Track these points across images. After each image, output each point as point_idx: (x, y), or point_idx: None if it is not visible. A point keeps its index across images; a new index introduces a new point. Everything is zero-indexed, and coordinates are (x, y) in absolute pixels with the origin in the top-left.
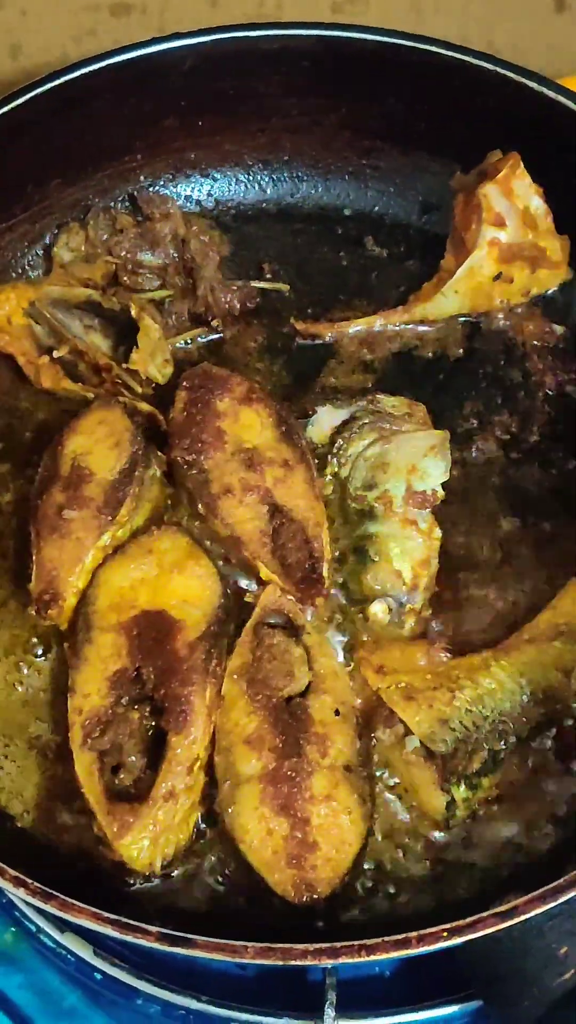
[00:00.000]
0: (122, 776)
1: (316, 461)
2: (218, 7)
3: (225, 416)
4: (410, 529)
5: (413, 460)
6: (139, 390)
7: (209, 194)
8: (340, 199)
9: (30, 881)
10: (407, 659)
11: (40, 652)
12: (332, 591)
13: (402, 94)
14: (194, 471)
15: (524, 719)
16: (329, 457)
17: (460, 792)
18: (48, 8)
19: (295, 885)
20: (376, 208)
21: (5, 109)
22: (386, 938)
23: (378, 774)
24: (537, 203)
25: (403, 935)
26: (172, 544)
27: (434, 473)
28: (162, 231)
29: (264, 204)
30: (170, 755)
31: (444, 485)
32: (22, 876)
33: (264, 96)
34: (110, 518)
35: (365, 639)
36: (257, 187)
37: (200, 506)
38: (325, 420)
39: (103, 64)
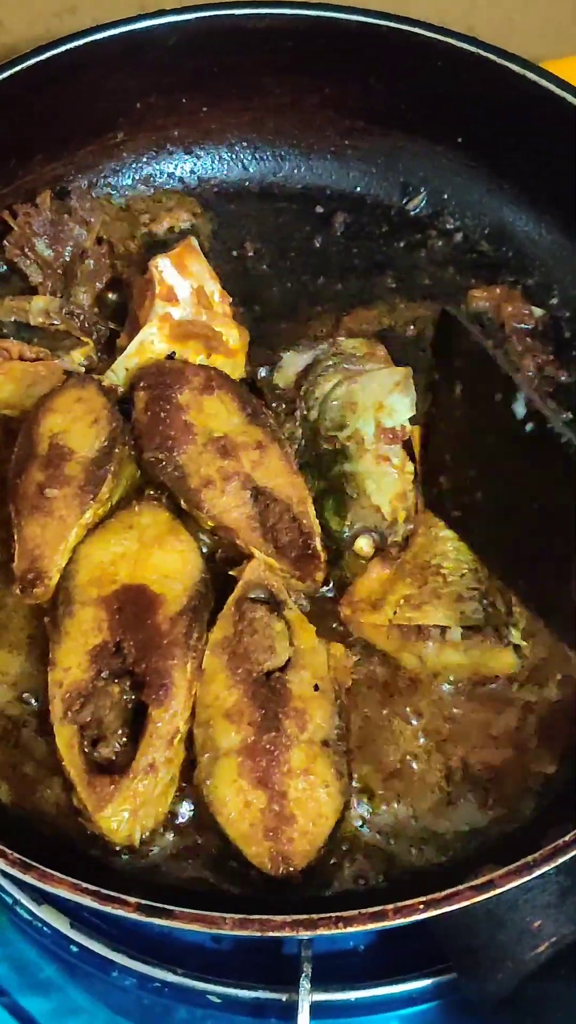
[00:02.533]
0: (102, 749)
1: (284, 406)
2: None
3: (189, 408)
4: (384, 465)
5: (379, 397)
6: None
7: (192, 171)
8: (322, 179)
9: (9, 852)
10: (378, 582)
11: None
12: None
13: (384, 75)
14: (169, 468)
15: None
16: (297, 401)
17: (515, 635)
18: None
19: (272, 857)
20: (358, 188)
21: None
22: (363, 910)
23: None
24: (212, 286)
25: (379, 907)
26: (153, 519)
27: (401, 408)
28: (71, 232)
29: (247, 182)
30: (151, 728)
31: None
32: (1, 847)
33: (248, 74)
34: (92, 496)
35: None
36: (240, 165)
37: (182, 502)
38: (289, 365)
39: (89, 39)
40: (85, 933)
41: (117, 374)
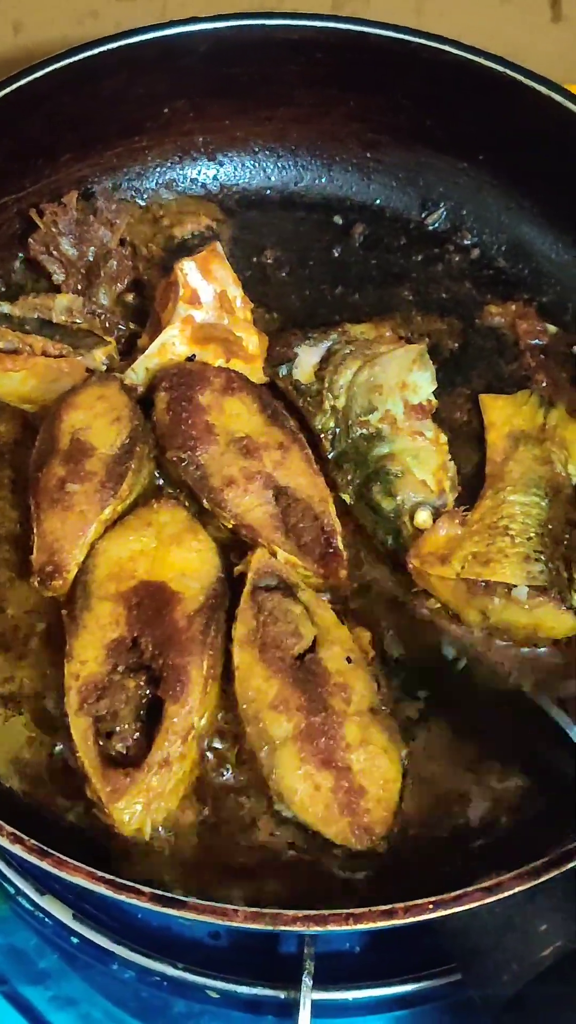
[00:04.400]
0: (115, 742)
1: (311, 399)
2: None
3: (210, 409)
4: (419, 440)
5: (401, 377)
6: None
7: (215, 178)
8: (343, 190)
9: (27, 839)
10: (445, 538)
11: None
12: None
13: (411, 90)
14: (191, 467)
15: (557, 516)
16: (323, 393)
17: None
18: None
19: (354, 832)
20: (378, 201)
21: (23, 82)
22: (372, 908)
23: None
24: (235, 291)
25: (389, 906)
26: (171, 517)
27: (423, 384)
28: (95, 232)
29: (268, 191)
30: (167, 723)
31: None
32: (18, 833)
33: (276, 84)
34: (112, 492)
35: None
36: (262, 173)
37: (205, 501)
38: (305, 359)
39: (122, 43)
40: (87, 925)
41: (137, 373)
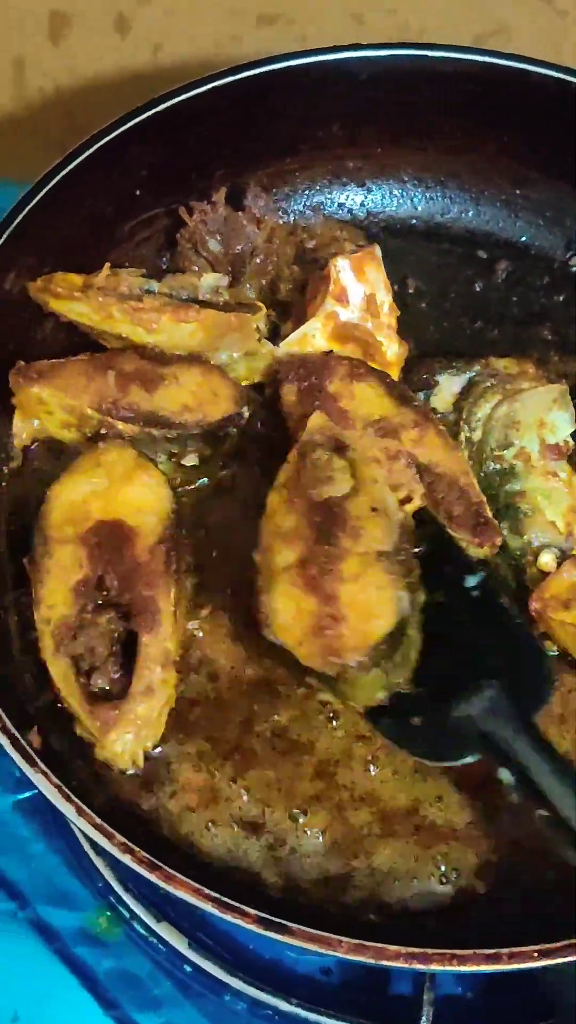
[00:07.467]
0: (97, 679)
1: (447, 429)
2: (364, 25)
3: (340, 397)
4: (552, 480)
5: (540, 415)
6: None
7: (362, 204)
8: (489, 224)
9: (138, 849)
10: (569, 582)
11: None
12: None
13: (565, 128)
14: None
15: None
16: (461, 423)
17: None
18: (194, 10)
19: (322, 654)
20: (523, 238)
21: (185, 96)
22: (478, 951)
23: None
24: (384, 297)
25: (494, 951)
26: (119, 456)
27: (562, 424)
28: (243, 229)
29: (414, 220)
30: (143, 653)
31: None
32: (129, 843)
33: (430, 115)
34: None
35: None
36: (410, 203)
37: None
38: (446, 389)
39: (285, 65)
40: (201, 954)
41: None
